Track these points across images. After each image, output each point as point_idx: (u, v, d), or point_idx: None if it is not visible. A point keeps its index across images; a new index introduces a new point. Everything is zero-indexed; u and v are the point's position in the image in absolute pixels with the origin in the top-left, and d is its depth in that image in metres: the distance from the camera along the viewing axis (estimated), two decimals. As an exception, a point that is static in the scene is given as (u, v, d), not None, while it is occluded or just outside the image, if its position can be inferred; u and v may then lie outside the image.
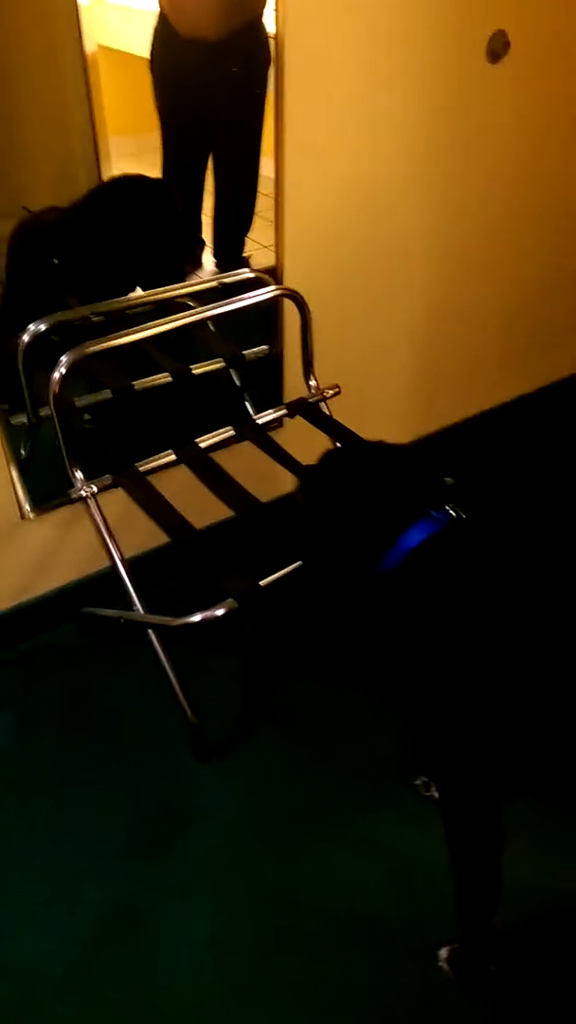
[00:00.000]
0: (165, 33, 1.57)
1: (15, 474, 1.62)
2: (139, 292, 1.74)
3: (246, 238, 1.87)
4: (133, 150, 1.66)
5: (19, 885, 1.37)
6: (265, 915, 1.33)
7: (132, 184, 1.71)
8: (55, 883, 1.37)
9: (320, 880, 1.38)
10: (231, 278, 1.68)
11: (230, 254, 1.87)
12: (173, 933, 1.31)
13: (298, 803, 1.49)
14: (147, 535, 1.74)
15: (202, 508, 1.58)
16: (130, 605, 1.47)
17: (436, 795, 1.36)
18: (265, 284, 1.64)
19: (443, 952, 1.25)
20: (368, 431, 1.57)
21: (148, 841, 1.43)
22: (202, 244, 1.87)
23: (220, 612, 1.28)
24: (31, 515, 1.66)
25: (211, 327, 1.78)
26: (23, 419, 1.60)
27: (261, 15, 1.54)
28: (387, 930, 1.31)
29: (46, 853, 1.41)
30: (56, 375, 1.36)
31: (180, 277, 1.79)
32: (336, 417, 1.71)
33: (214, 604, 1.32)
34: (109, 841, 1.43)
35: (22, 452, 1.63)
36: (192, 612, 1.33)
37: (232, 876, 1.38)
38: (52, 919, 1.32)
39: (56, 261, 1.62)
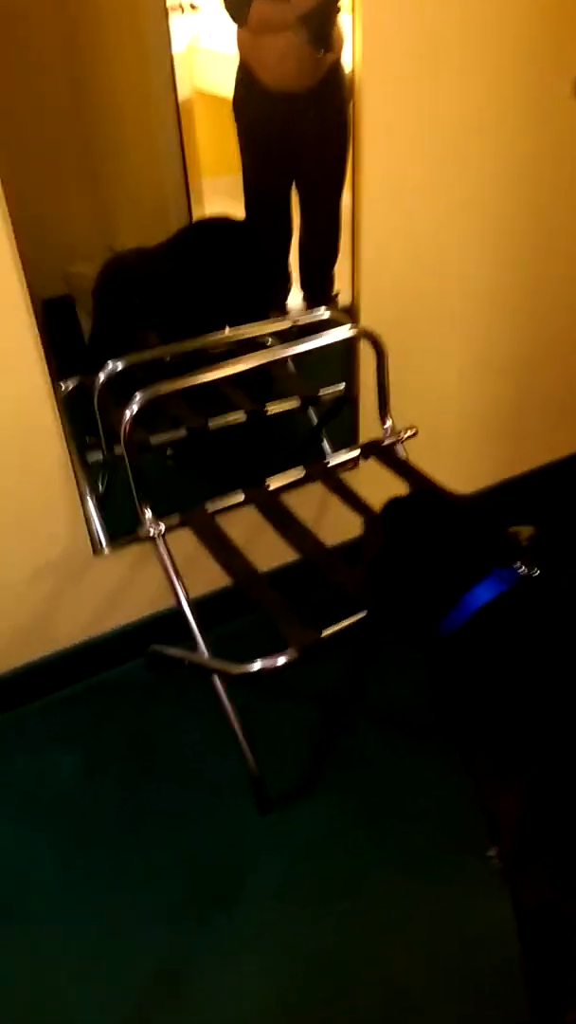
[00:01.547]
0: (247, 80, 1.58)
1: (92, 509, 1.64)
2: (225, 331, 1.75)
3: (334, 275, 1.86)
4: (229, 190, 1.67)
5: (71, 940, 1.35)
6: (318, 987, 1.27)
7: (216, 226, 1.72)
8: (105, 940, 1.35)
9: (378, 952, 1.31)
10: (307, 318, 1.66)
11: (317, 290, 1.86)
12: (220, 1002, 1.26)
13: (358, 866, 1.43)
14: (218, 573, 1.72)
15: (270, 550, 1.55)
16: (195, 647, 1.45)
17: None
18: (342, 324, 1.61)
19: (508, 1042, 1.16)
20: (447, 474, 1.52)
21: (201, 901, 1.40)
22: (290, 281, 1.87)
23: (281, 662, 1.25)
24: (106, 550, 1.68)
25: (290, 366, 1.77)
26: (100, 455, 1.62)
27: (340, 58, 1.54)
28: (450, 1013, 1.23)
29: (100, 907, 1.39)
30: (127, 414, 1.37)
31: (264, 315, 1.79)
32: (414, 459, 1.66)
33: (277, 652, 1.29)
34: (162, 899, 1.40)
35: (100, 487, 1.65)
36: (255, 659, 1.30)
37: (285, 942, 1.33)
38: (100, 980, 1.30)
39: (136, 301, 1.64)
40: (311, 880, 1.41)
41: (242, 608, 1.80)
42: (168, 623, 1.79)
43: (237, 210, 1.68)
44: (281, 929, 1.35)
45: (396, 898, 1.38)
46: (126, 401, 1.40)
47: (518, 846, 1.03)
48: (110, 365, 1.50)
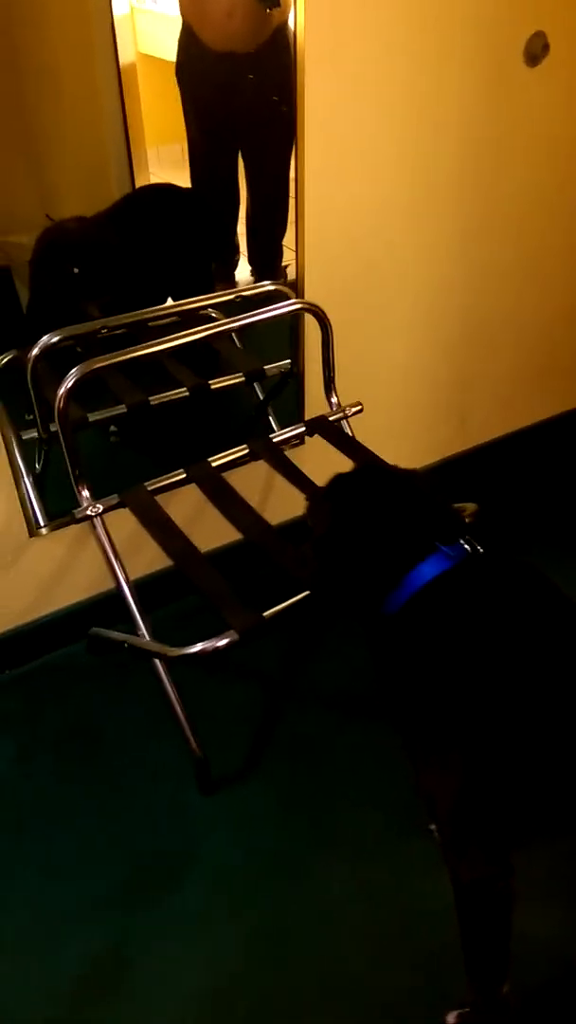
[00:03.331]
0: (190, 42, 1.53)
1: (28, 488, 1.58)
2: (168, 303, 1.70)
3: (283, 247, 1.82)
4: (175, 159, 1.62)
5: (5, 927, 1.32)
6: (258, 968, 1.26)
7: (159, 193, 1.67)
8: (39, 928, 1.31)
9: (319, 930, 1.30)
10: (250, 291, 1.62)
11: (265, 262, 1.82)
12: (159, 987, 1.24)
13: (299, 845, 1.42)
14: (161, 553, 1.69)
15: (213, 529, 1.52)
16: (135, 629, 1.41)
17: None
18: (286, 297, 1.57)
19: (450, 1018, 1.16)
20: (394, 450, 1.50)
21: (139, 885, 1.37)
22: (237, 253, 1.82)
23: (221, 644, 1.22)
24: (43, 531, 1.62)
25: (235, 341, 1.73)
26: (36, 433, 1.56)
27: (287, 20, 1.49)
28: (389, 988, 1.23)
29: (33, 894, 1.36)
30: (61, 390, 1.32)
31: (210, 288, 1.74)
32: (361, 436, 1.63)
33: (219, 633, 1.26)
34: (98, 884, 1.37)
35: (37, 466, 1.60)
36: (198, 640, 1.27)
37: (225, 924, 1.32)
38: (34, 967, 1.27)
39: (76, 270, 1.58)
40: (253, 861, 1.40)
41: (187, 588, 1.77)
42: (111, 604, 1.75)
43: (183, 180, 1.63)
44: (222, 912, 1.33)
45: (338, 877, 1.37)
46: (63, 377, 1.35)
47: (456, 823, 1.03)
48: (45, 338, 1.44)
